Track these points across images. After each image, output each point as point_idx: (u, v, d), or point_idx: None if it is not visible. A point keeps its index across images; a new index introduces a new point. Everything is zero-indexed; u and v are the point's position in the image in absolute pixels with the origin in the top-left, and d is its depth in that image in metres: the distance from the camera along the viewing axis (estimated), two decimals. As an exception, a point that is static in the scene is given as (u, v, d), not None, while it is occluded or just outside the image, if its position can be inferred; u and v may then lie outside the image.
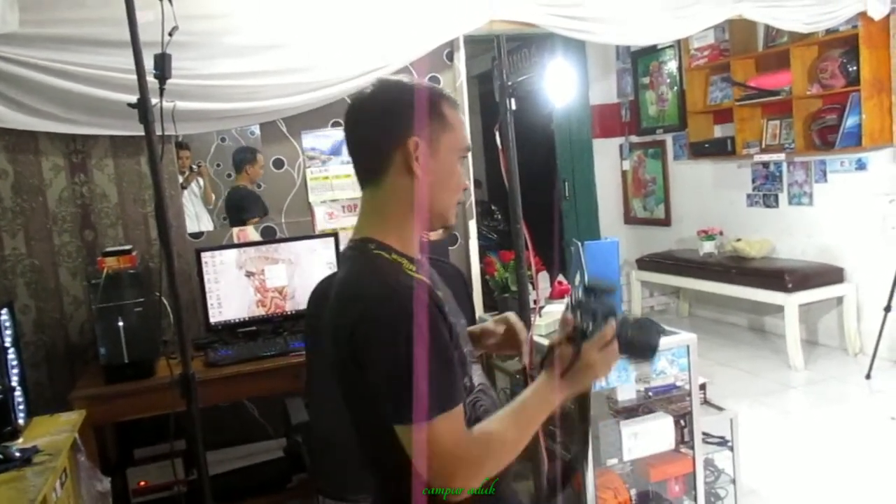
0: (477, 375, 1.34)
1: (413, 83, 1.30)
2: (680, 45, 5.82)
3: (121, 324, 2.58)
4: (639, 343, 1.30)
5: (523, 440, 1.22)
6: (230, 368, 2.68)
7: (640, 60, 6.36)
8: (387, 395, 1.14)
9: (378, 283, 1.18)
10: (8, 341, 2.23)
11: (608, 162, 6.66)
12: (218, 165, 3.24)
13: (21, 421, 2.22)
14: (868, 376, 4.31)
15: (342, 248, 1.40)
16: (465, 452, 1.14)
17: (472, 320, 2.36)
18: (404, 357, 1.11)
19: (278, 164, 3.28)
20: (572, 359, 1.24)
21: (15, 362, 2.26)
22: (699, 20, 3.84)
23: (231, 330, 2.98)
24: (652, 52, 6.18)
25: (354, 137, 1.31)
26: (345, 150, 3.36)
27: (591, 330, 1.26)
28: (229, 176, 3.26)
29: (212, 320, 2.95)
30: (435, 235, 2.99)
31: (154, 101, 2.11)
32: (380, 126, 1.26)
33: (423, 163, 1.24)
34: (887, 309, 4.26)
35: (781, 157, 5.06)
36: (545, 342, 2.52)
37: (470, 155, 3.63)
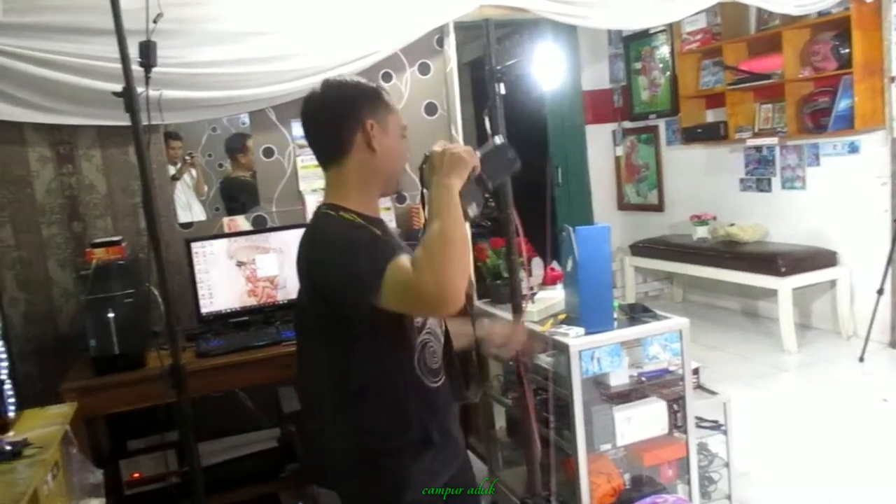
0: (432, 322, 1.64)
1: (355, 78, 1.62)
2: (672, 30, 5.79)
3: (111, 315, 2.55)
4: (503, 167, 1.61)
5: (450, 228, 1.39)
6: (221, 359, 2.66)
7: (632, 46, 6.34)
8: (348, 285, 1.44)
9: (322, 227, 1.55)
10: (-3, 334, 2.21)
11: (601, 148, 6.64)
12: (209, 155, 3.22)
13: (11, 414, 2.20)
14: (861, 359, 4.33)
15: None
16: (420, 272, 1.35)
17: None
18: (350, 256, 1.43)
19: (268, 152, 3.25)
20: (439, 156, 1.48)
21: (4, 355, 2.23)
22: (690, 3, 3.81)
23: (222, 320, 2.96)
24: (644, 36, 6.15)
25: (316, 129, 1.60)
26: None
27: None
28: (221, 166, 3.23)
29: (203, 311, 2.94)
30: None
31: (140, 89, 2.09)
32: (340, 114, 1.55)
33: (378, 140, 1.56)
34: (880, 292, 4.27)
35: (774, 141, 5.06)
36: (537, 328, 2.51)
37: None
